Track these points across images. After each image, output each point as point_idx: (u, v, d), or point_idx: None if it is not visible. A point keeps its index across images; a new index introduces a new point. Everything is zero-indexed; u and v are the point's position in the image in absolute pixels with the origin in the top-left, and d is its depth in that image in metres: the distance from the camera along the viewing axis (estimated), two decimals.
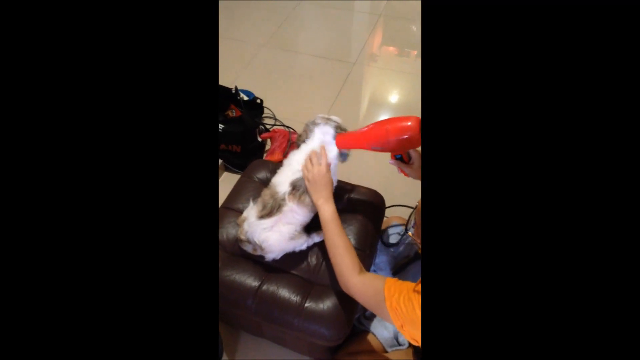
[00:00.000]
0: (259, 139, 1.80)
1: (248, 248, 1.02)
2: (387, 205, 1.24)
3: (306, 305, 0.97)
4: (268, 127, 1.92)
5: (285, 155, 1.75)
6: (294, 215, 0.99)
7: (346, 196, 1.19)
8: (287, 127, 1.95)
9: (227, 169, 1.78)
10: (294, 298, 0.98)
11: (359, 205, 1.17)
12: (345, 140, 1.00)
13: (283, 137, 1.80)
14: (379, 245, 1.22)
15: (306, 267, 1.04)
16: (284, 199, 0.98)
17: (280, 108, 2.05)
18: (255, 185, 1.20)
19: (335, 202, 1.07)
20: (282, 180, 1.01)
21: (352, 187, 1.22)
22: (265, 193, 1.01)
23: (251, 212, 1.03)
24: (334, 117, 1.04)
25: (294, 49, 2.53)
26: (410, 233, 0.88)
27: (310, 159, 0.96)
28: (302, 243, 1.03)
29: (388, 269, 1.19)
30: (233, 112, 1.87)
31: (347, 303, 0.97)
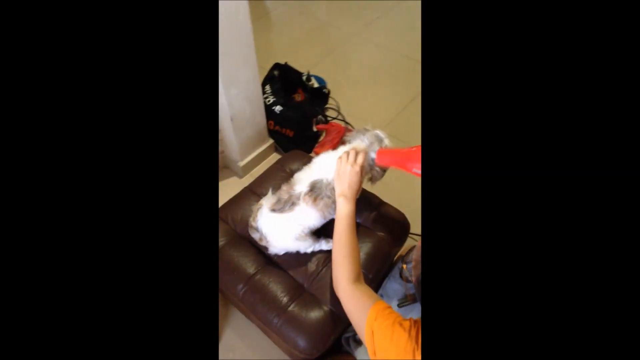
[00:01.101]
0: (314, 129, 1.78)
1: (255, 235, 1.02)
2: (414, 232, 1.15)
3: (290, 308, 0.95)
4: (329, 119, 1.89)
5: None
6: (305, 216, 0.96)
7: (369, 212, 1.12)
8: (347, 123, 1.90)
9: (276, 150, 1.79)
10: (282, 297, 0.96)
11: (379, 224, 1.10)
12: (387, 156, 0.94)
13: (337, 132, 1.76)
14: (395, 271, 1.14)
15: (304, 271, 1.02)
16: (298, 198, 0.95)
17: (347, 103, 2.00)
18: (283, 176, 1.19)
19: (356, 216, 1.02)
20: (303, 178, 0.98)
21: (379, 203, 1.15)
22: (283, 188, 1.00)
23: (267, 201, 1.02)
24: (380, 133, 0.98)
25: (384, 45, 2.44)
26: (404, 265, 0.80)
27: (349, 154, 0.91)
28: (307, 246, 1.00)
29: (395, 299, 1.11)
30: (299, 97, 1.87)
31: (333, 321, 0.93)
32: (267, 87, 1.76)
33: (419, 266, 0.63)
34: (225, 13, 1.19)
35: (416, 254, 0.67)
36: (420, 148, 0.84)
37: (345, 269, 0.81)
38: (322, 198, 0.94)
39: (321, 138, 1.80)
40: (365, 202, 1.11)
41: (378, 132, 0.98)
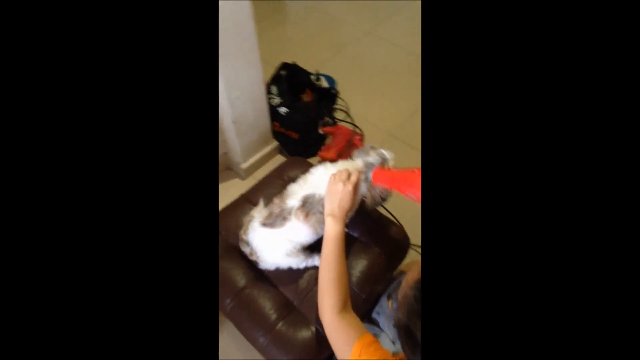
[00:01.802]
0: (320, 131, 1.74)
1: (245, 249, 0.99)
2: (415, 243, 1.10)
3: (278, 327, 0.91)
4: (337, 121, 1.83)
5: (339, 155, 1.67)
6: (296, 232, 0.92)
7: (366, 225, 1.07)
8: (356, 126, 1.84)
9: (281, 152, 1.76)
10: (270, 314, 0.93)
11: (377, 239, 1.05)
12: (383, 176, 0.89)
13: (344, 135, 1.70)
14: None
15: (294, 288, 0.98)
16: (290, 213, 0.91)
17: (357, 104, 1.94)
18: (281, 184, 1.15)
19: (352, 229, 0.97)
20: (296, 191, 0.94)
21: (378, 217, 1.10)
22: (275, 201, 0.96)
23: (258, 214, 0.99)
24: (385, 152, 0.92)
25: (397, 43, 2.35)
26: (390, 302, 0.75)
27: (342, 172, 0.87)
28: (299, 262, 0.97)
29: (389, 333, 1.04)
30: (307, 97, 1.82)
31: (320, 344, 0.90)
32: (274, 88, 1.71)
33: (404, 309, 0.58)
34: (227, 13, 1.15)
35: (401, 294, 0.62)
36: (419, 172, 0.79)
37: (331, 297, 0.76)
38: (314, 214, 0.90)
39: (327, 141, 1.76)
40: (363, 215, 1.07)
41: (384, 151, 0.93)
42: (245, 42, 1.27)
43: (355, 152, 0.95)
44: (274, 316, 0.93)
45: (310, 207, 0.90)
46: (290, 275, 0.99)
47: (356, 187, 0.85)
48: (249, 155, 1.64)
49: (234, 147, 1.58)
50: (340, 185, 0.84)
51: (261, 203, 1.03)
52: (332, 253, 0.81)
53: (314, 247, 1.00)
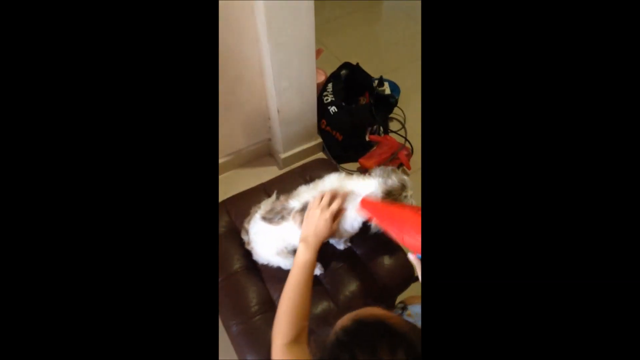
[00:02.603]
0: (367, 138, 1.68)
1: (245, 237, 1.00)
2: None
3: (254, 320, 0.91)
4: (389, 132, 1.76)
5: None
6: (290, 234, 0.90)
7: (370, 246, 1.01)
8: (407, 140, 1.75)
9: (323, 150, 1.74)
10: (251, 306, 0.93)
11: (378, 262, 0.99)
12: (368, 207, 0.83)
13: (390, 147, 1.63)
14: None
15: (280, 288, 0.95)
16: (289, 214, 0.89)
17: (416, 119, 1.85)
18: (300, 182, 1.13)
19: (356, 246, 0.92)
20: (302, 193, 0.92)
21: (387, 239, 1.03)
22: (282, 198, 0.95)
23: (265, 206, 0.98)
24: (407, 180, 0.85)
25: None
26: None
27: (326, 195, 0.83)
28: (288, 264, 0.94)
29: None
30: (364, 100, 1.77)
31: None
32: (329, 86, 1.69)
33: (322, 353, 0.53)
34: (288, 3, 1.16)
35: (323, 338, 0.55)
36: (419, 213, 0.71)
37: (284, 326, 0.72)
38: None
39: (372, 149, 1.70)
40: (380, 242, 0.99)
41: (406, 178, 0.87)
42: (301, 33, 1.27)
43: (375, 170, 0.90)
44: (254, 308, 0.93)
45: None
46: (281, 275, 0.97)
47: (338, 214, 0.82)
48: (290, 147, 1.65)
49: (275, 136, 1.60)
50: (317, 212, 0.80)
51: (273, 196, 1.03)
52: (296, 281, 0.77)
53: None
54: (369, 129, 1.68)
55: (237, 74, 1.37)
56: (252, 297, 0.95)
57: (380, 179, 0.86)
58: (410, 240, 0.71)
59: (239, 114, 1.52)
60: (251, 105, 1.51)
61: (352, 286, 0.94)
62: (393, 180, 0.85)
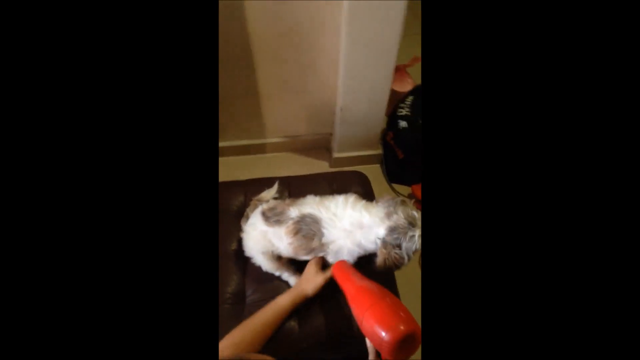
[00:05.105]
0: None
1: (243, 224, 0.98)
2: None
3: (223, 306, 0.90)
4: None
5: None
6: (278, 240, 0.86)
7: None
8: None
9: (381, 162, 1.63)
10: (224, 292, 0.92)
11: None
12: (337, 275, 0.79)
13: None
14: None
15: (255, 286, 0.93)
16: (285, 221, 0.84)
17: None
18: (324, 189, 1.07)
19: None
20: (307, 204, 0.86)
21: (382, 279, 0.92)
22: (287, 201, 0.90)
23: (270, 196, 0.97)
24: (416, 215, 0.75)
25: None
26: None
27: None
28: (269, 268, 0.91)
29: None
30: None
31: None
32: (410, 99, 1.56)
33: None
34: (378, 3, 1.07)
35: None
36: (386, 300, 0.67)
37: (237, 338, 0.73)
38: (302, 236, 0.82)
39: None
40: (372, 272, 0.89)
41: (416, 215, 0.75)
42: (385, 36, 1.17)
43: (382, 199, 0.80)
44: (226, 295, 0.91)
45: (302, 227, 0.82)
46: (261, 276, 0.94)
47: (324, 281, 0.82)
48: (345, 149, 1.57)
49: (335, 133, 1.54)
50: (313, 272, 0.82)
51: (275, 186, 1.01)
52: (269, 315, 0.79)
53: (295, 265, 0.91)
54: None
55: (310, 62, 1.33)
56: (230, 284, 0.93)
57: (384, 212, 0.76)
58: (367, 327, 0.63)
59: (305, 101, 1.48)
60: (319, 96, 1.46)
61: (318, 319, 0.87)
62: (399, 216, 0.74)
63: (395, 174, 1.57)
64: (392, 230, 0.74)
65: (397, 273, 1.03)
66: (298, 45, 1.26)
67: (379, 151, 1.60)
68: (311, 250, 0.83)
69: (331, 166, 1.63)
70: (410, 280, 1.30)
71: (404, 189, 1.57)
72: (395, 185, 1.58)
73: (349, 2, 1.07)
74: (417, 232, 0.73)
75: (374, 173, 1.63)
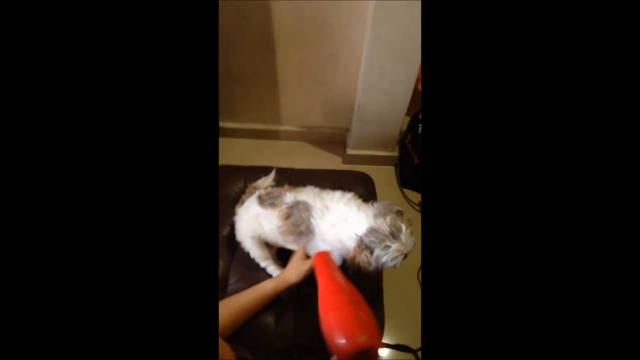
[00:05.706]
0: None
1: (237, 209, 0.96)
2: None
3: None
4: None
5: None
6: (268, 223, 0.85)
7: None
8: None
9: (395, 164, 1.57)
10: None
11: None
12: (318, 262, 0.75)
13: None
14: None
15: (239, 274, 0.92)
16: (279, 205, 0.83)
17: None
18: (327, 185, 1.03)
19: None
20: (303, 192, 0.84)
21: (371, 288, 0.88)
22: (285, 186, 0.89)
23: (267, 184, 0.95)
24: (404, 228, 0.71)
25: None
26: None
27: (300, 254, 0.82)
28: (256, 255, 0.89)
29: None
30: None
31: None
32: None
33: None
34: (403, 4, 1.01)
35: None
36: (356, 306, 0.62)
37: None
38: (292, 222, 0.81)
39: None
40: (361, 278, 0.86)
41: (403, 228, 0.71)
42: (408, 34, 1.10)
43: (380, 203, 0.76)
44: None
45: (294, 212, 0.81)
46: (247, 264, 0.92)
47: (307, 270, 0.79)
48: (360, 147, 1.52)
49: (351, 129, 1.49)
50: (298, 259, 0.80)
51: (272, 174, 1.00)
52: (249, 297, 0.77)
53: (282, 260, 0.89)
54: None
55: (332, 53, 1.28)
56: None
57: (372, 213, 0.73)
58: (327, 327, 0.60)
59: (323, 92, 1.44)
60: (338, 89, 1.42)
61: (295, 320, 0.84)
62: (384, 221, 0.71)
63: (408, 178, 1.52)
64: (371, 232, 0.71)
65: (390, 284, 0.99)
66: (321, 34, 1.22)
67: (395, 153, 1.54)
68: (297, 236, 0.81)
69: (344, 162, 1.59)
70: (405, 293, 1.25)
71: (415, 196, 1.51)
72: (406, 191, 1.52)
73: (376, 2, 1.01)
74: (395, 246, 0.69)
75: (387, 176, 1.57)
